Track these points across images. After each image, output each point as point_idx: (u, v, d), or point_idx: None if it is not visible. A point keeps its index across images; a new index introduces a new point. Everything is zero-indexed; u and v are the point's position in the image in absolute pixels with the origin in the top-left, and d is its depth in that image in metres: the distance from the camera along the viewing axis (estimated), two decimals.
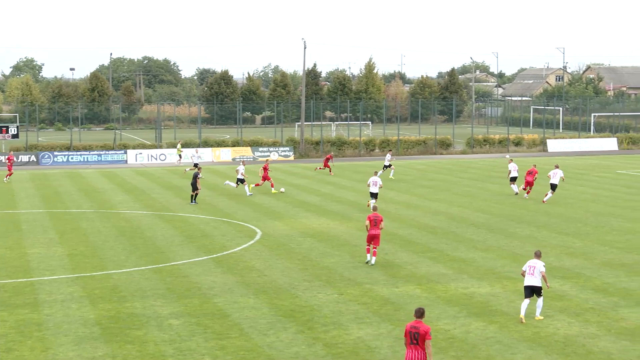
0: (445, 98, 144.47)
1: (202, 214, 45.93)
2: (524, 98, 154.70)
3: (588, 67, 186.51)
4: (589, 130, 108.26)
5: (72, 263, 33.28)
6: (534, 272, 24.89)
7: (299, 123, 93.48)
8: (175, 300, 27.37)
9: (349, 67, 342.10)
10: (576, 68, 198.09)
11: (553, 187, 49.78)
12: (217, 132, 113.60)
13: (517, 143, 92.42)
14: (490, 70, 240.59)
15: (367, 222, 32.74)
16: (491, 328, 24.10)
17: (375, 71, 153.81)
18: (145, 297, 27.75)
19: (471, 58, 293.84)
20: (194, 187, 49.95)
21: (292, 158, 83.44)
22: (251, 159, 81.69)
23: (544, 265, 25.23)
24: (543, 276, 24.94)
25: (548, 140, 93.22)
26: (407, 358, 18.21)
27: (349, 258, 33.88)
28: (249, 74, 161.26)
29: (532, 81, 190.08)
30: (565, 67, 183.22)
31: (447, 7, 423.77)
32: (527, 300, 24.94)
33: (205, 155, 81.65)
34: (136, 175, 68.29)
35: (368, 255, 33.16)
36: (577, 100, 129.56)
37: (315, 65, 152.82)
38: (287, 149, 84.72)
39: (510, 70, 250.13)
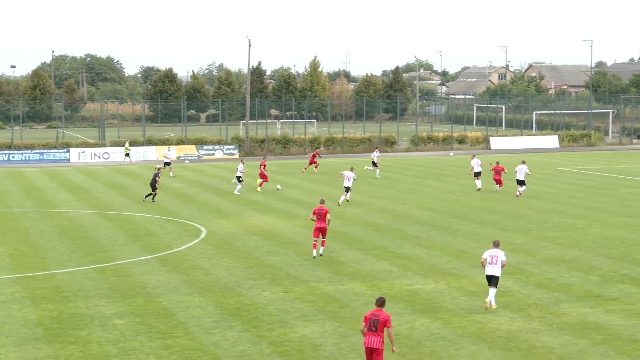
0: (390, 96, 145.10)
1: (146, 213, 45.60)
2: (467, 96, 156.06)
3: (530, 66, 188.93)
4: (531, 128, 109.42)
5: (13, 263, 32.83)
6: (496, 262, 25.63)
7: (244, 121, 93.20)
8: (119, 299, 27.14)
9: (294, 65, 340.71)
10: (518, 66, 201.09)
11: (519, 182, 51.47)
12: (162, 131, 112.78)
13: (461, 141, 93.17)
14: (434, 68, 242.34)
15: (313, 216, 33.26)
16: (436, 324, 24.28)
17: (320, 69, 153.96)
18: (89, 296, 27.48)
19: (415, 56, 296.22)
20: (153, 187, 49.73)
21: (237, 156, 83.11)
22: (196, 158, 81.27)
23: (505, 254, 26.01)
24: (503, 265, 25.68)
25: (491, 138, 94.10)
26: (366, 344, 18.74)
27: (295, 256, 33.89)
28: (193, 72, 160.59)
29: (475, 79, 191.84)
30: (507, 65, 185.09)
31: (391, 5, 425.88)
32: (491, 288, 25.78)
33: (150, 153, 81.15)
34: (79, 174, 67.59)
35: (314, 251, 33.41)
36: (520, 98, 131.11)
37: (260, 63, 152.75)
38: (232, 147, 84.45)
39: (454, 68, 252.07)
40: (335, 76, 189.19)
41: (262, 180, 55.17)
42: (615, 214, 44.33)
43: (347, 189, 48.41)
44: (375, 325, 18.70)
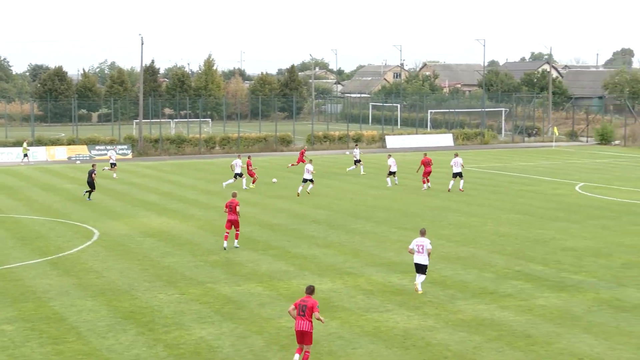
0: (286, 95, 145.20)
1: (36, 215, 44.46)
2: (362, 95, 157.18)
3: (424, 65, 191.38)
4: (426, 127, 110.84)
5: None
6: (423, 251, 27.04)
7: (137, 120, 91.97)
8: (8, 305, 26.34)
9: (188, 64, 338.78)
10: (413, 65, 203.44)
11: (456, 175, 52.87)
12: (52, 130, 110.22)
13: (357, 139, 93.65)
14: (330, 67, 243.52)
15: (225, 209, 34.67)
16: (333, 324, 24.22)
17: (214, 68, 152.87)
18: None
19: (310, 55, 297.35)
20: (91, 185, 49.90)
21: (130, 156, 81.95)
22: (87, 158, 79.73)
23: (430, 243, 27.42)
24: (428, 253, 27.10)
25: (387, 137, 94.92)
26: (296, 326, 20.26)
27: (191, 257, 33.47)
28: (84, 70, 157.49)
29: (370, 78, 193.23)
30: (402, 64, 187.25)
31: (286, 3, 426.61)
32: (418, 275, 27.25)
33: (39, 154, 79.25)
34: None
35: (225, 242, 34.61)
36: (414, 97, 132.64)
37: (153, 61, 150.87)
38: (125, 147, 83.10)
39: (349, 67, 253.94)
40: (230, 75, 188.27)
41: (252, 178, 55.77)
42: (508, 212, 45.11)
43: (305, 181, 51.22)
44: (304, 311, 20.16)
